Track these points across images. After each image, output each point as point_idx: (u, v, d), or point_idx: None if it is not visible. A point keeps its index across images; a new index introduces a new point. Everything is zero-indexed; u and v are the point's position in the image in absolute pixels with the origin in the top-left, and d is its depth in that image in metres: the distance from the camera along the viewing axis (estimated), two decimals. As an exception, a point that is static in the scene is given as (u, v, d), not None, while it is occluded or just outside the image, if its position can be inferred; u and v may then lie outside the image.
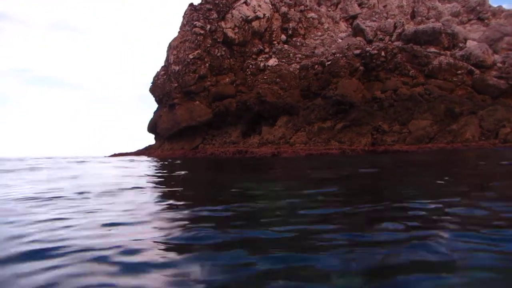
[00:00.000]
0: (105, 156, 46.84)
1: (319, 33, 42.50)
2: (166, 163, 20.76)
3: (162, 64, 46.71)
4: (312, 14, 44.17)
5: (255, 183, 8.56)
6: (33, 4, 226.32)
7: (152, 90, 45.90)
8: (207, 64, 41.97)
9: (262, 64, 40.77)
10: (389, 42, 36.61)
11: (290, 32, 43.03)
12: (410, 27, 37.71)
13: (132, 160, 25.51)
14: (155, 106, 47.28)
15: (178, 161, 18.48)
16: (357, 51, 36.81)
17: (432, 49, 35.11)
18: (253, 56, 41.98)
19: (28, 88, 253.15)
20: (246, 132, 39.68)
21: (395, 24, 37.49)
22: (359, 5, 42.61)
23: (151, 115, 46.77)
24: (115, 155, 45.51)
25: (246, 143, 37.82)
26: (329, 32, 42.24)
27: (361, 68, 35.81)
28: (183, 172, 12.36)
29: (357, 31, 39.77)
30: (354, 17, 41.93)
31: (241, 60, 42.23)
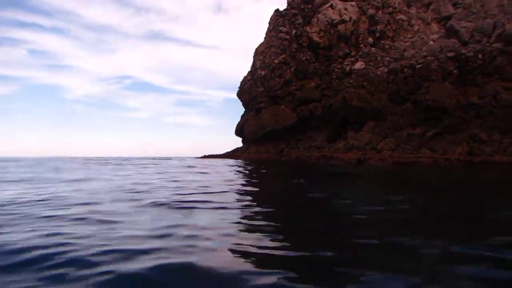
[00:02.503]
0: (195, 158, 49.56)
1: (409, 35, 41.15)
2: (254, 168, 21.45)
3: (249, 69, 48.27)
4: (401, 16, 42.87)
5: None
6: (130, 16, 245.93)
7: (239, 94, 47.67)
8: (292, 69, 42.63)
9: (348, 68, 40.47)
10: (487, 44, 34.45)
11: (377, 34, 42.17)
12: None
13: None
14: (242, 109, 49.02)
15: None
16: (451, 54, 35.16)
17: (538, 51, 32.44)
18: (339, 60, 41.81)
19: (129, 93, 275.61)
20: (331, 137, 39.72)
21: (494, 24, 35.10)
22: (453, 5, 40.45)
23: (237, 118, 48.60)
24: (204, 156, 47.95)
25: (332, 148, 37.91)
26: (419, 34, 40.73)
27: (455, 71, 34.19)
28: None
29: (451, 33, 37.90)
30: (448, 18, 39.92)
31: (327, 64, 42.28)
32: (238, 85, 48.33)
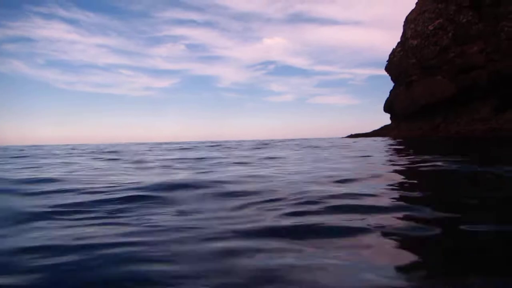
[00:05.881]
0: (341, 137, 48.03)
1: None
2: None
3: (398, 41, 44.43)
4: None
5: None
6: (271, 1, 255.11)
7: (388, 68, 44.28)
8: (450, 34, 37.69)
9: (522, 25, 33.73)
10: None
11: None
12: None
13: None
14: (387, 85, 45.67)
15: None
16: None
17: None
18: (510, 17, 35.12)
19: (272, 78, 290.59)
20: (499, 108, 33.79)
21: None
22: None
23: (382, 96, 45.37)
24: (351, 136, 46.02)
25: (500, 119, 32.22)
26: None
27: None
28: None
29: None
30: None
31: (493, 24, 35.97)
32: (384, 60, 45.31)
